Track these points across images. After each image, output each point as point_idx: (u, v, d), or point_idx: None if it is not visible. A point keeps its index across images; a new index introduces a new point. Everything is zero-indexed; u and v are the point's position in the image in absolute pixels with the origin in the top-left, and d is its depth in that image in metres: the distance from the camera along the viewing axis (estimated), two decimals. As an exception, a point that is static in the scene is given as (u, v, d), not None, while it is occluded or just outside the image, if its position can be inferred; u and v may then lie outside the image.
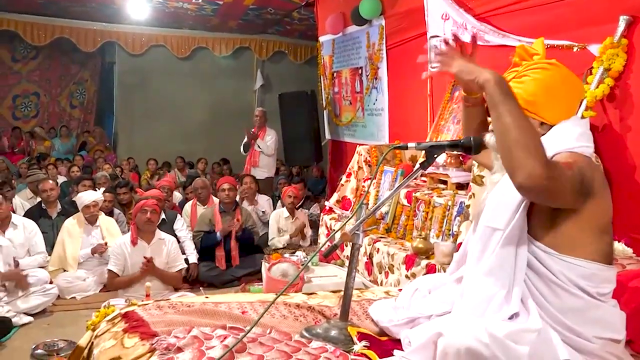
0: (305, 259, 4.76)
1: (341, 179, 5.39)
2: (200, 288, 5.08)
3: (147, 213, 4.75)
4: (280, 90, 8.81)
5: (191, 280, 5.25)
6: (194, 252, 5.43)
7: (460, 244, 2.24)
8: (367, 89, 6.44)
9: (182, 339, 1.79)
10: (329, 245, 2.03)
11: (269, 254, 5.37)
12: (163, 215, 5.54)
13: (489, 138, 1.74)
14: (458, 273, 1.91)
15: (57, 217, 5.61)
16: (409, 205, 4.16)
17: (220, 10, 9.01)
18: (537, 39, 1.91)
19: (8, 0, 8.97)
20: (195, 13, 9.26)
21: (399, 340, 1.88)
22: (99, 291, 4.95)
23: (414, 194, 4.11)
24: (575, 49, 3.38)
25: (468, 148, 1.76)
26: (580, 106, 3.07)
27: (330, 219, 5.05)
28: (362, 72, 6.57)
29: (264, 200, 6.77)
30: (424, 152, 1.88)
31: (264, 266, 4.54)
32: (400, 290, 2.36)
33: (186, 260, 5.22)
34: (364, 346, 1.80)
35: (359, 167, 5.13)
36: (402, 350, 1.79)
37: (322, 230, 5.22)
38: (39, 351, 3.70)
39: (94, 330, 2.11)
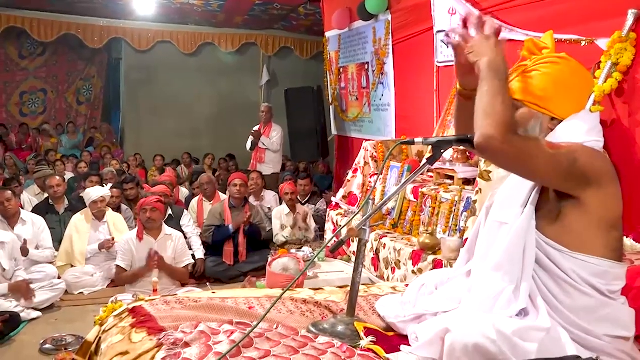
0: (312, 254, 4.77)
1: (347, 175, 5.39)
2: (207, 284, 5.10)
3: (147, 212, 4.78)
4: (287, 86, 8.79)
5: (198, 275, 5.26)
6: (201, 247, 5.45)
7: (467, 239, 2.23)
8: (374, 84, 6.42)
9: (190, 334, 1.79)
10: (335, 241, 2.03)
11: (275, 249, 5.37)
12: (170, 211, 5.56)
13: None
14: (466, 267, 1.90)
15: (65, 212, 5.64)
16: (415, 200, 4.15)
17: (226, 6, 9.00)
18: (546, 32, 1.89)
19: (15, -3, 9.02)
20: (201, 9, 9.25)
21: (405, 336, 1.88)
22: (107, 286, 4.97)
23: (420, 190, 4.10)
24: (583, 43, 3.35)
25: (476, 143, 1.74)
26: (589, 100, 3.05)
27: (336, 215, 5.05)
28: (368, 68, 6.56)
29: (270, 196, 6.77)
30: (430, 147, 1.87)
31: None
32: (407, 285, 2.36)
33: (193, 256, 5.24)
34: (371, 341, 1.79)
35: (366, 163, 5.12)
36: (409, 345, 1.79)
37: (329, 226, 5.21)
38: (47, 346, 3.73)
39: (101, 325, 2.12)
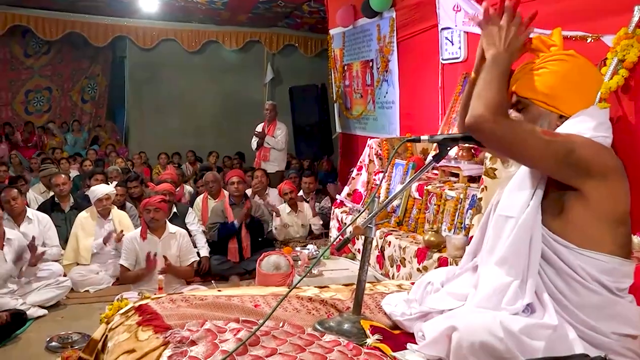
0: (317, 251, 4.77)
1: (352, 172, 5.38)
2: (212, 281, 5.11)
3: (150, 212, 4.79)
4: (291, 84, 8.79)
5: (202, 273, 5.27)
6: (205, 245, 5.46)
7: (472, 237, 2.23)
8: (378, 81, 6.41)
9: (196, 332, 1.79)
10: (340, 239, 2.03)
11: (279, 247, 5.38)
12: (175, 209, 5.57)
13: None
14: (472, 263, 1.90)
15: (70, 210, 5.66)
16: (420, 198, 4.14)
17: (230, 4, 8.99)
18: (554, 29, 1.87)
19: (20, -4, 9.05)
20: (205, 6, 9.25)
21: (412, 334, 1.88)
22: (112, 284, 4.99)
23: (425, 187, 4.09)
24: (588, 39, 3.34)
25: (481, 141, 1.73)
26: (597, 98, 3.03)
27: (341, 212, 5.04)
28: (372, 65, 6.54)
29: (274, 194, 6.77)
30: (435, 144, 1.86)
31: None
32: (412, 283, 2.35)
33: (197, 253, 5.25)
34: (377, 339, 1.79)
35: (370, 161, 5.11)
36: (416, 344, 1.78)
37: (333, 224, 5.21)
38: (54, 344, 3.74)
39: (107, 323, 2.12)
